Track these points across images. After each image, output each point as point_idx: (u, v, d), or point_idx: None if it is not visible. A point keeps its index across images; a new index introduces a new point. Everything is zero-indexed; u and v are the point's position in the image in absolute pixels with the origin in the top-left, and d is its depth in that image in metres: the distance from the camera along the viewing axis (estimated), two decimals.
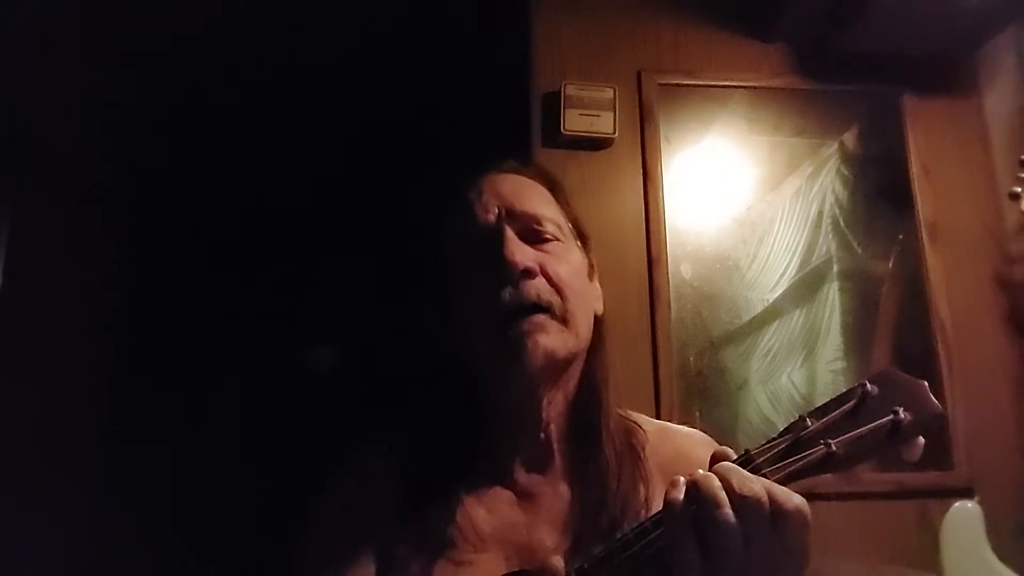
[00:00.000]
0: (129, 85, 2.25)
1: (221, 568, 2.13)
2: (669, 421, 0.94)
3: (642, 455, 0.80)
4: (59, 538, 1.89)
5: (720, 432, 1.72)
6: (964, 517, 1.56)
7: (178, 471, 2.28)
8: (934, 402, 0.59)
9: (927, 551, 1.57)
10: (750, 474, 0.57)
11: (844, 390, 0.62)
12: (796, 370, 1.87)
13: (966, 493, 1.62)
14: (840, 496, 1.67)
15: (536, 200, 0.83)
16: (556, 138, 1.77)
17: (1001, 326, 1.81)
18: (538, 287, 0.76)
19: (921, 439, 0.59)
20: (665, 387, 1.68)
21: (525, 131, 1.80)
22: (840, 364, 1.88)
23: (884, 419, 0.58)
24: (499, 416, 0.80)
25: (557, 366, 0.77)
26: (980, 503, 1.58)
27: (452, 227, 0.84)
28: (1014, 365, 1.79)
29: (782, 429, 0.62)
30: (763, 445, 0.60)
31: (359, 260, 2.62)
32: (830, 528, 1.63)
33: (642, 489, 0.77)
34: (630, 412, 0.87)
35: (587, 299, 0.82)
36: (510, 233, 0.78)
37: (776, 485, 0.57)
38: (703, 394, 1.78)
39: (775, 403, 1.83)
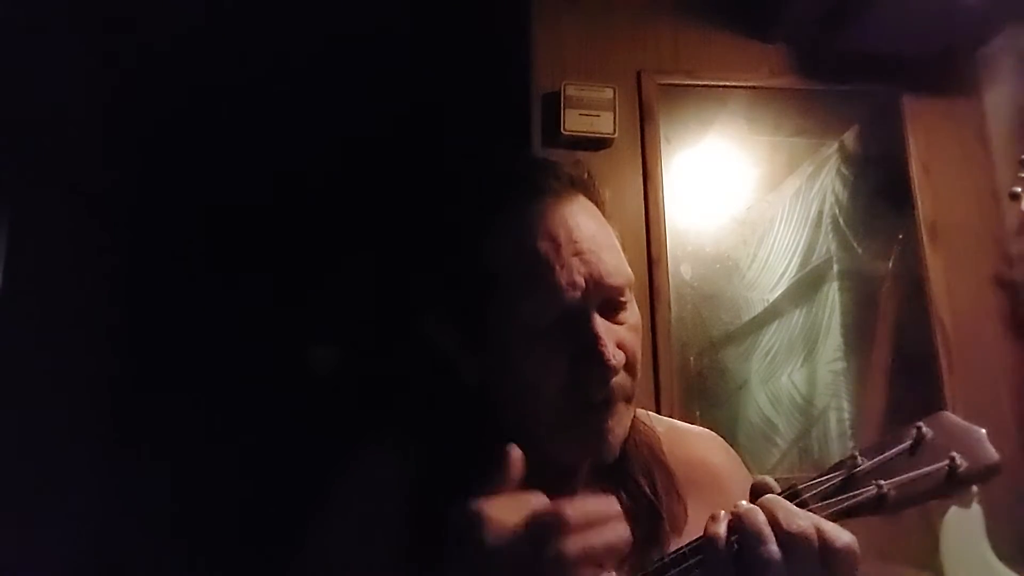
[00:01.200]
0: (129, 85, 2.25)
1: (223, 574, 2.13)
2: None
3: (665, 462, 0.78)
4: (59, 540, 1.89)
5: (720, 432, 1.71)
6: (964, 517, 1.56)
7: (179, 472, 2.28)
8: (991, 451, 0.58)
9: (927, 551, 1.57)
10: (798, 509, 0.55)
11: (899, 431, 0.60)
12: (796, 370, 1.87)
13: None
14: None
15: (616, 258, 0.72)
16: (556, 138, 1.77)
17: (1001, 326, 1.81)
18: (621, 382, 0.71)
19: (975, 488, 0.58)
20: (665, 387, 1.68)
21: (525, 131, 1.80)
22: (840, 364, 1.88)
23: (940, 464, 0.57)
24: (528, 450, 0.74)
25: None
26: (980, 503, 1.58)
27: (519, 266, 0.70)
28: (1014, 365, 1.79)
29: (832, 464, 0.60)
30: (811, 480, 0.59)
31: (358, 262, 2.62)
32: None
33: (679, 499, 0.74)
34: (639, 412, 0.83)
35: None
36: (599, 322, 0.69)
37: (825, 521, 0.55)
38: (703, 394, 1.78)
39: (775, 403, 1.83)
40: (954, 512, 1.57)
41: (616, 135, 1.77)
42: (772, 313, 1.89)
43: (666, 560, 0.58)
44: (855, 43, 1.89)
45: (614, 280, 0.71)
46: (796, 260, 1.92)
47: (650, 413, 0.86)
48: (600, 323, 0.69)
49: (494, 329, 0.72)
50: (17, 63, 1.82)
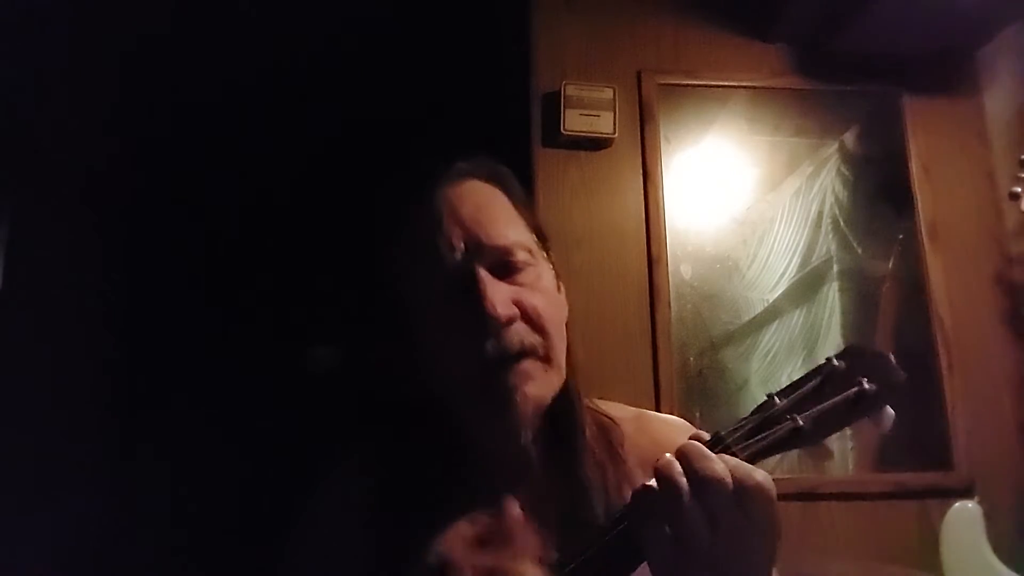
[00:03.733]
0: (130, 85, 2.25)
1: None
2: None
3: (621, 454, 0.79)
4: (59, 540, 1.89)
5: None
6: (964, 517, 1.56)
7: (179, 472, 2.28)
8: (898, 370, 0.61)
9: (927, 551, 1.57)
10: (711, 454, 0.56)
11: (811, 370, 0.63)
12: (796, 370, 1.87)
13: (966, 493, 1.63)
14: (840, 496, 1.67)
15: (502, 223, 0.76)
16: (556, 138, 1.77)
17: (1001, 326, 1.81)
18: (520, 332, 0.72)
19: (890, 409, 0.60)
20: (665, 387, 1.68)
21: (525, 131, 1.81)
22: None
23: (849, 391, 0.59)
24: (478, 447, 0.78)
25: (544, 406, 0.74)
26: (980, 503, 1.58)
27: (411, 256, 0.77)
28: (1014, 365, 1.79)
29: (752, 409, 0.62)
30: (733, 426, 0.61)
31: (359, 264, 2.62)
32: (830, 528, 1.63)
33: (626, 489, 0.75)
34: (600, 404, 0.85)
35: (561, 320, 0.79)
36: (483, 275, 0.72)
37: (740, 463, 0.56)
38: (703, 394, 1.78)
39: None
40: (954, 512, 1.57)
41: (616, 135, 1.77)
42: (772, 313, 1.89)
43: (606, 524, 0.61)
44: (855, 43, 1.89)
45: (496, 241, 0.74)
46: (796, 260, 1.92)
47: (618, 404, 0.87)
48: (485, 278, 0.72)
49: (411, 322, 0.77)
50: (17, 63, 1.82)
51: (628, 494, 0.74)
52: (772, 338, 1.88)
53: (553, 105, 1.77)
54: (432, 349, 0.75)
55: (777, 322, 1.89)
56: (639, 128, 1.83)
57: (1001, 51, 1.91)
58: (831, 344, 1.89)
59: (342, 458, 0.84)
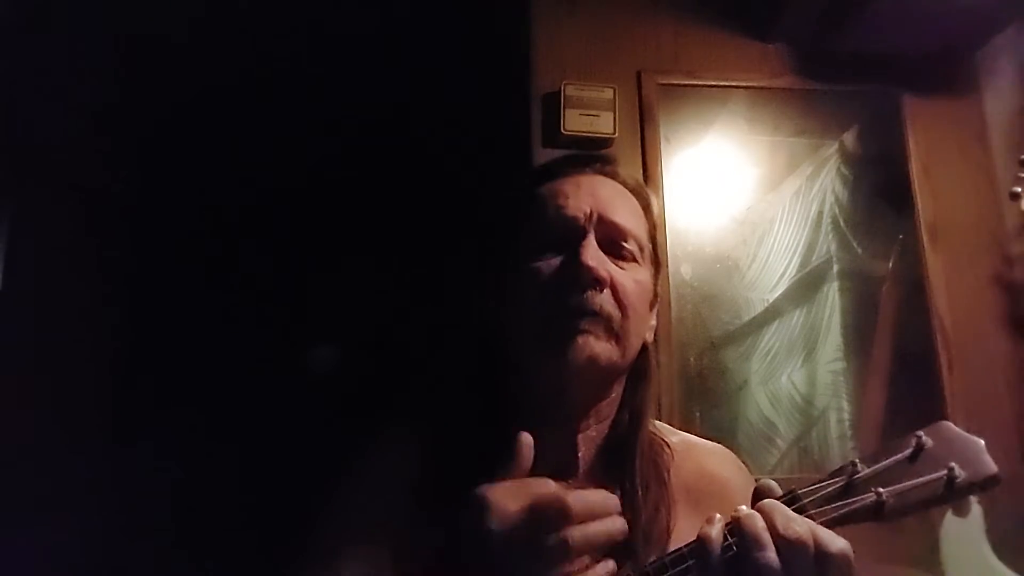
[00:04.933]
0: (130, 84, 2.25)
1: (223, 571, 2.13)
2: (669, 423, 0.93)
3: (667, 479, 0.79)
4: (59, 540, 1.89)
5: (720, 432, 1.72)
6: (964, 518, 1.56)
7: (179, 472, 2.28)
8: (990, 462, 0.60)
9: (927, 551, 1.57)
10: (796, 515, 0.56)
11: (899, 440, 0.61)
12: (796, 370, 1.87)
13: None
14: None
15: (628, 214, 0.83)
16: (556, 138, 1.76)
17: (1001, 326, 1.81)
18: (603, 300, 0.76)
19: (973, 498, 0.59)
20: (665, 388, 1.68)
21: (525, 131, 1.80)
22: (840, 364, 1.88)
23: (938, 473, 0.57)
24: (531, 411, 0.78)
25: (598, 371, 0.76)
26: (980, 503, 1.58)
27: (535, 214, 0.82)
28: (1014, 365, 1.79)
29: (832, 471, 0.60)
30: (811, 486, 0.59)
31: (360, 257, 2.62)
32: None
33: (665, 516, 0.76)
34: (656, 424, 0.86)
35: (644, 323, 0.82)
36: (592, 238, 0.78)
37: (821, 527, 0.56)
38: (703, 395, 1.78)
39: (775, 403, 1.83)
40: (954, 512, 1.57)
41: (616, 135, 1.77)
42: (772, 313, 1.89)
43: (665, 560, 0.60)
44: (855, 43, 1.89)
45: (617, 219, 0.80)
46: (796, 260, 1.92)
47: (667, 426, 0.88)
48: (593, 245, 0.78)
49: (511, 274, 0.82)
50: (17, 63, 1.82)
51: (665, 518, 0.75)
52: (772, 338, 1.88)
53: (553, 105, 1.77)
54: (524, 295, 0.79)
55: (777, 322, 1.89)
56: (639, 128, 1.83)
57: (1001, 51, 1.91)
58: (831, 344, 1.89)
59: (390, 423, 0.86)
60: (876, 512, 0.57)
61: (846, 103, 1.97)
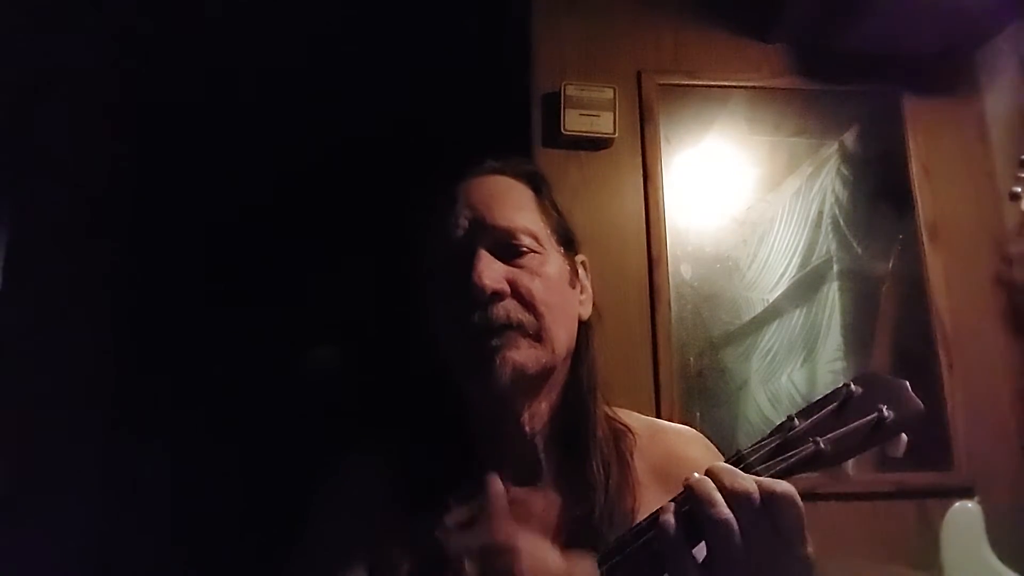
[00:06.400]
0: (129, 84, 2.25)
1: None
2: (670, 421, 0.94)
3: (630, 461, 0.80)
4: (59, 540, 1.89)
5: (720, 432, 1.72)
6: (964, 517, 1.56)
7: (179, 471, 2.28)
8: (916, 400, 0.62)
9: (927, 551, 1.57)
10: (740, 471, 0.59)
11: (829, 393, 0.64)
12: (796, 370, 1.87)
13: (966, 493, 1.62)
14: (840, 496, 1.67)
15: (511, 209, 0.81)
16: (556, 138, 1.77)
17: (1001, 326, 1.81)
18: (508, 308, 0.76)
19: (904, 436, 0.61)
20: (665, 387, 1.68)
21: (525, 131, 1.80)
22: (840, 364, 1.88)
23: (869, 417, 0.61)
24: (485, 430, 0.80)
25: (529, 380, 0.76)
26: (980, 503, 1.58)
27: (431, 237, 0.82)
28: (1014, 365, 1.79)
29: (771, 429, 0.64)
30: (753, 445, 0.63)
31: (359, 263, 2.62)
32: (830, 528, 1.63)
33: (629, 497, 0.77)
34: (619, 412, 0.86)
35: (567, 309, 0.81)
36: (480, 252, 0.77)
37: (763, 477, 0.58)
38: (703, 394, 1.78)
39: (775, 403, 1.83)
40: (954, 512, 1.57)
41: (616, 135, 1.77)
42: (772, 313, 1.89)
43: (626, 535, 0.62)
44: (855, 43, 1.89)
45: (500, 222, 0.79)
46: (796, 260, 1.92)
47: (634, 414, 0.88)
48: (484, 256, 0.77)
49: (425, 298, 0.82)
50: (18, 62, 1.82)
51: (630, 499, 0.77)
52: (772, 338, 1.88)
53: (553, 105, 1.77)
54: (437, 320, 0.80)
55: (777, 322, 1.89)
56: (639, 128, 1.83)
57: (1001, 51, 1.91)
58: (831, 344, 1.89)
59: (360, 446, 0.87)
60: (816, 460, 0.60)
61: (846, 103, 1.97)
